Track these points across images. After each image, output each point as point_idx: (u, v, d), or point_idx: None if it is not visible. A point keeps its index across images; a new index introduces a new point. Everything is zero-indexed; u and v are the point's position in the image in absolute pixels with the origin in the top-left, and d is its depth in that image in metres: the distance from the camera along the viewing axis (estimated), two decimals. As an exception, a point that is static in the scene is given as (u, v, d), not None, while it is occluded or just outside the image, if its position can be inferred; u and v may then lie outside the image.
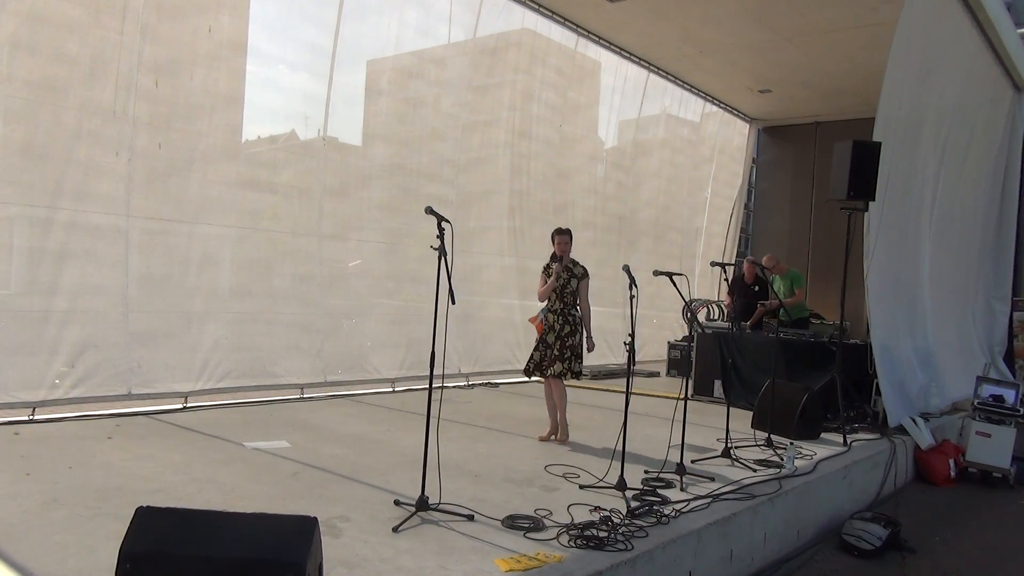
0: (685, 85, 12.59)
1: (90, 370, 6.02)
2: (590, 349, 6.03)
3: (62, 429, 5.51)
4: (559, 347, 5.86)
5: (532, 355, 6.03)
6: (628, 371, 4.74)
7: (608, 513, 3.88)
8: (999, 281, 11.86)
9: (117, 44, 6.10)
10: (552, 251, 6.04)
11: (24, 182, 5.76)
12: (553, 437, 5.96)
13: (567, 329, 5.89)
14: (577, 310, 5.96)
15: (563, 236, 6.00)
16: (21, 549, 3.11)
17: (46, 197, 5.83)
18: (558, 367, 5.83)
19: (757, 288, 9.42)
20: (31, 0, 5.66)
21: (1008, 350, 11.85)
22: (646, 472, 4.91)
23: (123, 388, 6.21)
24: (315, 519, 2.64)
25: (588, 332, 6.00)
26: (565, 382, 5.96)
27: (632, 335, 4.59)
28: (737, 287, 9.40)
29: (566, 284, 5.94)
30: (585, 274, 6.01)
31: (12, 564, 2.95)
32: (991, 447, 7.17)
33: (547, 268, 6.02)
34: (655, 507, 4.08)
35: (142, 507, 2.60)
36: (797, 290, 9.10)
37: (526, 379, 9.80)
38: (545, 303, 6.00)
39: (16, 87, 5.64)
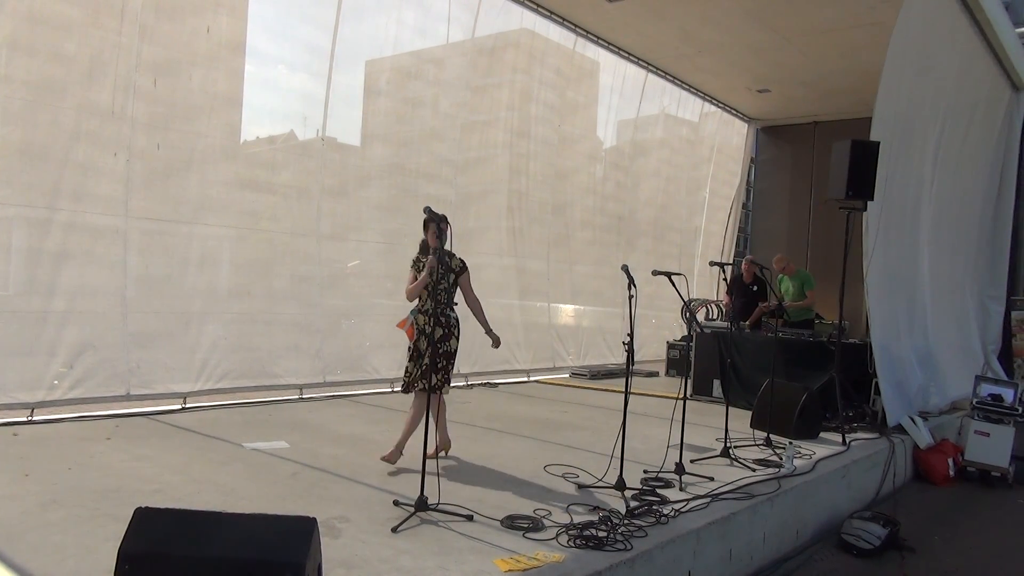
0: (684, 85, 12.59)
1: (89, 371, 6.02)
2: (495, 344, 5.23)
3: (61, 430, 5.50)
4: (431, 355, 4.91)
5: (407, 368, 5.08)
6: (627, 371, 4.74)
7: (607, 513, 3.88)
8: (994, 280, 11.86)
9: (115, 44, 6.09)
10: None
11: (22, 183, 5.76)
12: (397, 457, 4.86)
13: (439, 333, 4.95)
14: (452, 311, 5.08)
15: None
16: (20, 550, 3.10)
17: (44, 198, 5.83)
18: (434, 379, 4.83)
19: (756, 288, 9.42)
20: (29, 0, 5.66)
21: (1006, 349, 11.85)
22: (645, 472, 4.91)
23: (122, 389, 6.21)
24: (314, 519, 2.64)
25: (487, 327, 5.22)
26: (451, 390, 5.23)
27: (631, 335, 4.59)
28: (736, 287, 9.40)
29: (439, 280, 5.02)
30: (464, 267, 5.12)
31: (11, 565, 2.94)
32: (990, 446, 7.17)
33: (417, 261, 5.08)
34: (654, 507, 4.08)
35: (141, 508, 2.60)
36: (809, 292, 9.02)
37: (525, 379, 9.94)
38: (415, 303, 5.10)
39: (15, 87, 5.64)
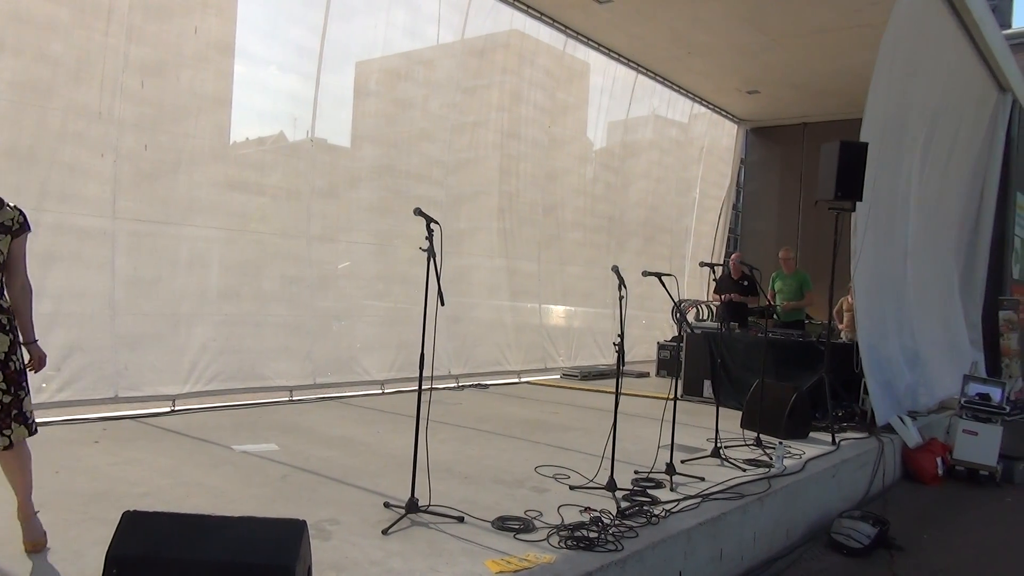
0: (673, 86, 12.63)
1: (76, 373, 5.97)
2: (34, 366, 3.14)
3: (48, 433, 5.44)
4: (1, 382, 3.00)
5: None
6: (618, 372, 4.75)
7: (598, 514, 3.88)
8: (974, 280, 11.91)
9: (102, 45, 6.05)
10: None
11: (9, 184, 5.69)
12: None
13: (5, 342, 3.03)
14: (5, 299, 3.08)
15: None
16: (7, 555, 3.08)
17: (31, 199, 5.76)
18: (10, 432, 3.04)
19: (746, 284, 9.47)
20: (15, 0, 5.62)
21: (993, 348, 11.93)
22: (636, 473, 4.91)
23: (110, 391, 6.17)
24: (304, 522, 2.63)
25: (29, 334, 3.12)
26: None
27: (621, 336, 4.60)
28: (725, 285, 9.47)
29: None
30: (24, 224, 3.08)
31: (-3, 570, 2.92)
32: (978, 445, 7.22)
33: None
34: (645, 507, 4.09)
35: (129, 511, 2.59)
36: (808, 293, 9.09)
37: (516, 380, 9.94)
38: None
39: (0, 88, 5.59)
